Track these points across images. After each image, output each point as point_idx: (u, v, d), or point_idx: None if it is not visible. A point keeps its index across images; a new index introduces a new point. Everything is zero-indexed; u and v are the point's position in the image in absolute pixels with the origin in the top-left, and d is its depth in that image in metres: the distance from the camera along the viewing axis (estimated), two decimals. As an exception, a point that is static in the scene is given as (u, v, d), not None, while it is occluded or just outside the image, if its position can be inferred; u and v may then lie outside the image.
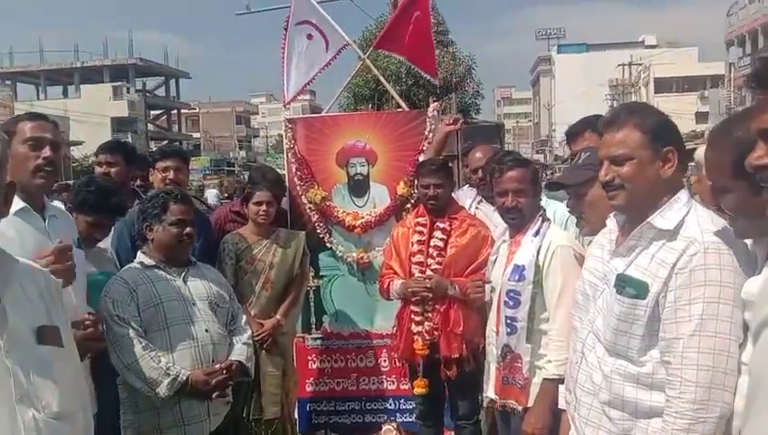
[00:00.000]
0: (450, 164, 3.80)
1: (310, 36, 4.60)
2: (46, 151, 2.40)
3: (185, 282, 2.87)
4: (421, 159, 3.96)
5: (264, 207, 3.74)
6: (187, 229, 2.88)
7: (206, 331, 2.80)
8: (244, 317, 3.13)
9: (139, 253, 2.94)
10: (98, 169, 3.88)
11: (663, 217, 1.85)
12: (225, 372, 2.80)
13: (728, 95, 38.14)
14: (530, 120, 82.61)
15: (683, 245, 1.79)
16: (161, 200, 2.90)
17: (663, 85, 49.76)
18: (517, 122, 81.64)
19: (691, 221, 1.83)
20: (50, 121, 2.55)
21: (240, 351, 2.92)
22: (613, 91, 52.14)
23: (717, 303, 1.69)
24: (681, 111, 41.34)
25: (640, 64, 52.21)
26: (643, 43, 63.49)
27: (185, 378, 2.67)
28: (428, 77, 4.67)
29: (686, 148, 1.99)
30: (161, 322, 2.74)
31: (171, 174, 3.74)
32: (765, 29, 35.39)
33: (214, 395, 2.75)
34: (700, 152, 2.46)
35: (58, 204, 2.88)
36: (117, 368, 2.72)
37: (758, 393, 1.27)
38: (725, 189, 1.63)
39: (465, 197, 3.91)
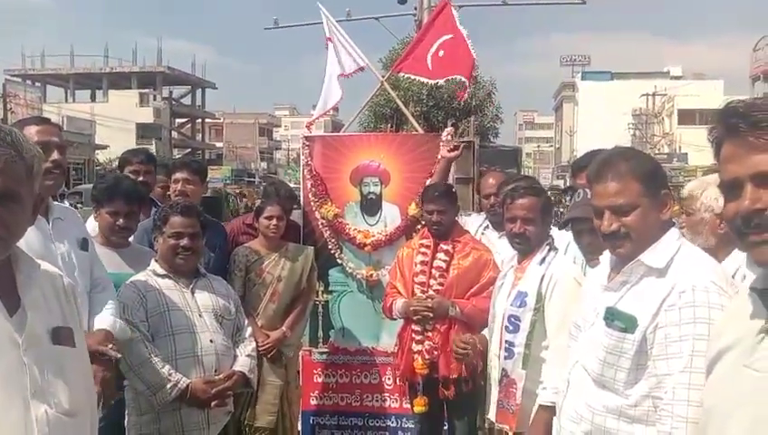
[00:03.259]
0: (454, 189, 3.84)
1: (335, 48, 4.75)
2: (54, 155, 2.47)
3: (192, 293, 2.96)
4: (427, 183, 4.04)
5: (274, 222, 3.85)
6: (184, 241, 2.94)
7: (211, 341, 2.88)
8: (250, 329, 3.20)
9: (152, 261, 3.04)
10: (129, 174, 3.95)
11: (654, 255, 1.90)
12: (225, 381, 2.86)
13: (752, 130, 37.71)
14: (551, 145, 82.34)
15: (672, 282, 1.83)
16: (163, 212, 3.01)
17: (687, 117, 49.34)
18: (538, 147, 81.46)
19: (681, 259, 1.88)
20: (54, 125, 2.63)
21: (243, 362, 2.99)
22: (636, 120, 51.91)
23: (707, 340, 1.70)
24: (705, 143, 41.03)
25: (665, 95, 51.94)
26: (668, 74, 63.11)
27: (185, 385, 2.75)
28: (462, 78, 4.57)
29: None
30: (167, 329, 2.83)
31: (180, 185, 3.87)
32: (792, 65, 35.13)
33: (213, 404, 2.82)
34: (691, 187, 2.53)
35: (67, 205, 2.96)
36: (123, 369, 2.79)
37: (709, 424, 1.32)
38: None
39: (473, 222, 3.97)
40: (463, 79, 4.59)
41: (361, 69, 4.69)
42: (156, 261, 3.01)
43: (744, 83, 43.83)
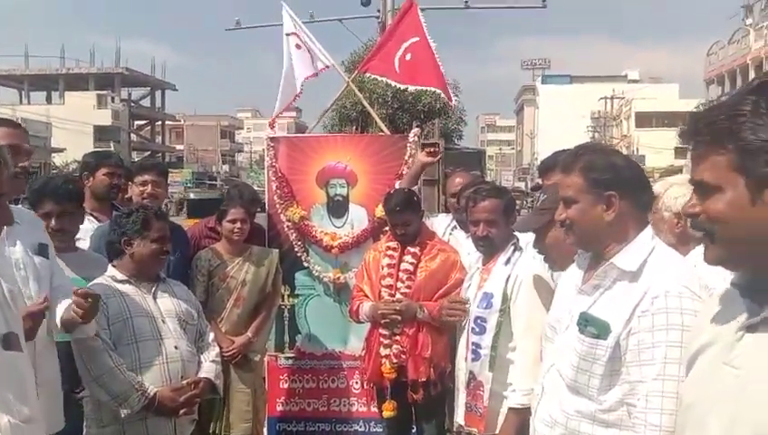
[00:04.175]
0: (418, 193, 3.78)
1: (298, 46, 4.68)
2: (24, 161, 2.44)
3: (154, 298, 2.87)
4: (397, 184, 4.00)
5: (238, 225, 3.77)
6: (166, 247, 2.91)
7: (176, 348, 2.80)
8: (212, 335, 3.13)
9: (109, 266, 2.92)
10: (102, 178, 3.80)
11: (626, 258, 1.88)
12: (192, 388, 2.79)
13: (707, 132, 38.78)
14: (513, 148, 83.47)
15: (645, 287, 1.81)
16: (142, 216, 2.89)
17: (644, 119, 50.60)
18: (500, 149, 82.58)
19: (654, 261, 1.86)
20: (23, 129, 2.60)
21: (209, 368, 2.93)
22: (595, 123, 52.99)
23: (680, 347, 1.70)
24: (662, 145, 42.13)
25: (622, 98, 53.13)
26: (626, 78, 64.63)
27: (152, 394, 2.66)
28: (445, 98, 4.72)
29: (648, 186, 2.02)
30: (130, 336, 2.73)
31: (149, 188, 3.74)
32: (743, 70, 36.29)
33: (181, 412, 2.74)
34: (656, 187, 2.57)
35: (25, 209, 2.85)
36: (84, 380, 2.70)
37: (688, 418, 1.32)
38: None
39: (441, 223, 3.96)
40: (440, 92, 4.63)
41: (326, 67, 4.64)
42: (114, 266, 2.90)
43: (698, 87, 45.11)
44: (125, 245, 2.86)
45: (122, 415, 2.64)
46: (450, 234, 3.86)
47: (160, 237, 2.87)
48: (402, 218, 3.47)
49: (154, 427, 2.72)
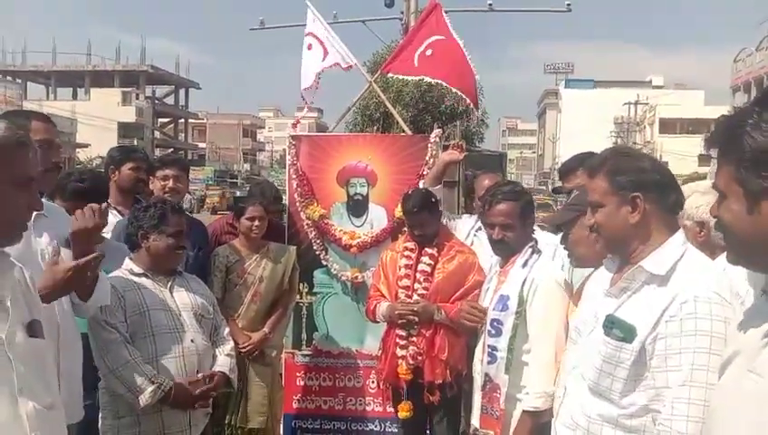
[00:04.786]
0: (437, 196, 3.72)
1: (309, 47, 4.69)
2: (57, 156, 2.49)
3: (171, 292, 2.89)
4: (421, 184, 4.00)
5: (256, 223, 3.80)
6: (183, 242, 2.92)
7: (192, 341, 2.82)
8: (227, 329, 3.14)
9: (126, 259, 2.93)
10: (127, 173, 3.83)
11: (655, 262, 1.85)
12: (208, 382, 2.81)
13: (732, 139, 38.23)
14: (534, 152, 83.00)
15: (674, 292, 1.78)
16: (160, 210, 2.90)
17: (668, 126, 50.06)
18: (521, 153, 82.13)
19: (684, 266, 1.83)
20: (53, 123, 2.63)
21: (223, 362, 2.94)
22: (618, 129, 52.50)
23: (708, 353, 1.68)
24: (686, 152, 41.62)
25: (646, 104, 52.59)
26: (650, 83, 63.97)
27: (168, 387, 2.67)
28: (470, 102, 4.66)
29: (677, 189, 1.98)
30: (147, 329, 2.75)
31: (171, 182, 3.78)
32: (772, 77, 35.70)
33: (196, 405, 2.76)
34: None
35: (53, 203, 2.88)
36: (101, 372, 2.71)
37: (712, 424, 1.31)
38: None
39: (464, 224, 3.93)
40: (467, 100, 4.62)
41: (350, 67, 4.65)
42: (130, 259, 2.91)
43: (725, 94, 44.52)
44: (142, 238, 2.88)
45: (138, 407, 2.66)
46: (474, 235, 3.81)
47: (177, 232, 2.87)
48: (419, 219, 3.45)
49: (169, 419, 2.73)
